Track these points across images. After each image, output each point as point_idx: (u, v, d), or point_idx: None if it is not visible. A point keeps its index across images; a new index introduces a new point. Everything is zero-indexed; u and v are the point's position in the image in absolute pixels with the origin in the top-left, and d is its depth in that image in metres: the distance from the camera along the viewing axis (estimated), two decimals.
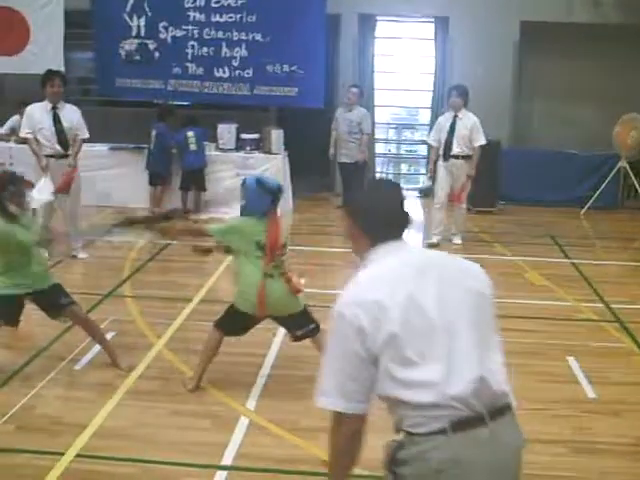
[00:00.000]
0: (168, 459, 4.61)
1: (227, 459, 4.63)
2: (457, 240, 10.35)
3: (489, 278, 2.76)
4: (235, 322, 5.52)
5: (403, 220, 2.78)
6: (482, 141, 10.02)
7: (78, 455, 4.59)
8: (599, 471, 4.69)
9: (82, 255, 9.13)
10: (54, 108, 8.75)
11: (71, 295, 5.88)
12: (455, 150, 10.02)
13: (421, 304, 2.49)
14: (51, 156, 8.76)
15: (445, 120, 10.20)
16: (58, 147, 8.76)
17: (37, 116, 8.73)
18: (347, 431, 2.56)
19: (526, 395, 5.60)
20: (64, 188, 8.72)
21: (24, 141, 9.19)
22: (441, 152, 10.17)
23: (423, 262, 2.68)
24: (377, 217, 2.72)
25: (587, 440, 5.07)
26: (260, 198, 5.36)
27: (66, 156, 8.83)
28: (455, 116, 10.04)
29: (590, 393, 5.78)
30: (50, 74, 8.91)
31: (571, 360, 6.36)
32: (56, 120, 8.72)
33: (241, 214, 5.54)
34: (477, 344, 2.55)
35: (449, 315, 2.52)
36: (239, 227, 5.39)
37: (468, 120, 10.00)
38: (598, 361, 6.43)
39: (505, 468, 2.53)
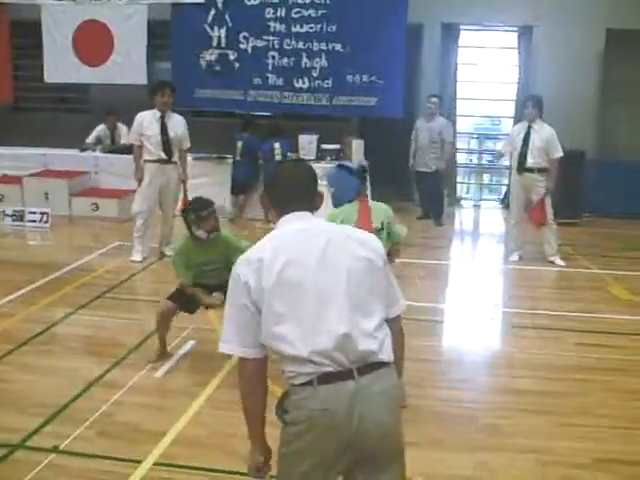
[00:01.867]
0: (246, 470, 4.59)
1: None
2: (559, 261, 9.76)
3: (382, 249, 3.02)
4: None
5: (305, 194, 3.05)
6: (560, 153, 9.56)
7: (156, 463, 4.63)
8: None
9: (169, 253, 9.38)
10: (162, 117, 9.06)
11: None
12: (529, 162, 9.58)
13: (300, 265, 2.81)
14: (155, 161, 9.20)
15: (518, 131, 9.84)
16: (162, 154, 9.23)
17: (146, 124, 9.12)
18: (246, 374, 3.02)
19: (610, 413, 5.51)
20: (186, 203, 9.21)
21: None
22: (515, 164, 9.83)
23: (316, 229, 2.96)
24: (281, 191, 3.06)
25: None
26: (347, 181, 5.45)
27: (168, 162, 9.28)
28: (529, 127, 9.64)
29: None
30: (161, 84, 9.44)
31: None
32: (163, 129, 9.03)
33: (333, 204, 5.54)
34: (351, 307, 2.80)
35: (327, 277, 2.81)
36: (334, 217, 5.29)
37: (544, 131, 9.57)
38: None
39: (375, 416, 2.78)
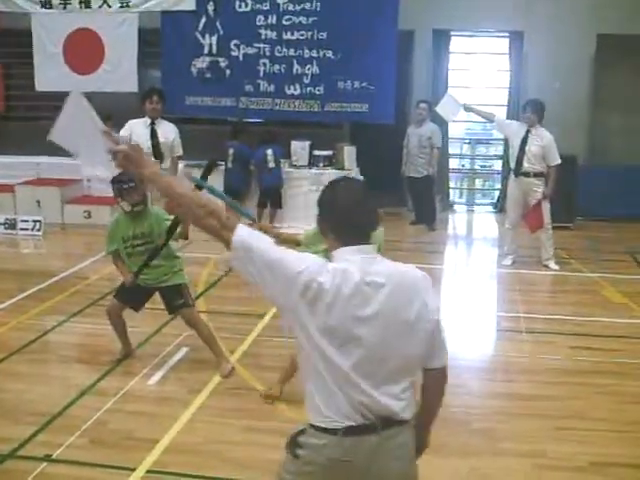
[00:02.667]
0: (239, 476, 4.58)
1: None
2: (553, 265, 9.72)
3: (436, 302, 2.79)
4: None
5: (371, 222, 2.78)
6: (557, 160, 9.48)
7: (149, 471, 4.60)
8: None
9: None
10: (152, 124, 9.08)
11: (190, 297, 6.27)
12: (525, 166, 9.51)
13: (355, 318, 2.57)
14: None
15: (517, 131, 9.71)
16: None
17: (137, 130, 9.04)
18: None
19: (606, 416, 5.50)
20: None
21: None
22: (512, 167, 9.79)
23: (380, 277, 2.64)
24: (346, 218, 2.74)
25: None
26: None
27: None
28: (528, 131, 9.56)
29: None
30: (149, 91, 9.49)
31: None
32: (153, 135, 9.04)
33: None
34: (389, 372, 2.65)
35: (376, 338, 2.60)
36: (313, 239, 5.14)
37: (542, 138, 9.48)
38: None
39: (394, 469, 2.71)
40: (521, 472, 4.74)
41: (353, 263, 2.63)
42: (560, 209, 11.72)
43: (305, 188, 11.97)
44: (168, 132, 9.29)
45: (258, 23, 12.08)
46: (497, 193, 14.17)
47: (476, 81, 13.93)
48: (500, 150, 14.13)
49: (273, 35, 12.08)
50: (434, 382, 2.89)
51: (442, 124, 12.40)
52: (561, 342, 7.00)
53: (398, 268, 2.75)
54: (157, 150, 9.11)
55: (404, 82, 12.87)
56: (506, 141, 13.48)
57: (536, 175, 9.57)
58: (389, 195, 13.60)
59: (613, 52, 12.48)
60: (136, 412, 5.44)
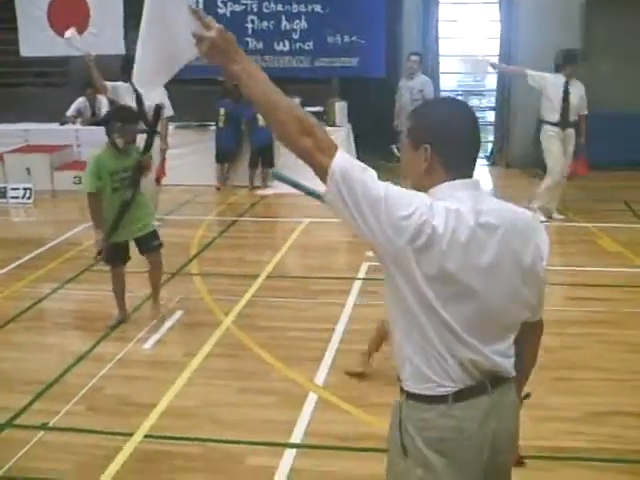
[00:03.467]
0: (235, 438, 4.58)
1: (296, 437, 4.58)
2: (557, 215, 9.78)
3: (547, 246, 2.43)
4: None
5: (477, 152, 2.42)
6: (586, 110, 9.59)
7: (147, 435, 4.59)
8: None
9: (157, 223, 9.40)
10: (136, 90, 8.92)
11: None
12: (571, 118, 9.47)
13: (472, 266, 2.22)
14: None
15: (554, 82, 9.51)
16: (142, 125, 8.97)
17: (122, 94, 8.88)
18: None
19: (608, 366, 5.49)
20: (162, 173, 9.18)
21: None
22: (557, 119, 9.52)
23: (494, 217, 2.28)
24: (454, 144, 2.32)
25: None
26: None
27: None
28: (567, 82, 9.44)
29: None
30: (130, 59, 9.20)
31: None
32: (139, 101, 8.89)
33: None
34: (501, 326, 2.38)
35: (492, 288, 2.28)
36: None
37: (579, 88, 9.49)
38: None
39: (507, 430, 2.47)
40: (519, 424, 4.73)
41: (463, 201, 2.25)
42: None
43: None
44: (154, 96, 9.13)
45: None
46: (490, 145, 14.07)
47: (466, 32, 13.78)
48: (492, 101, 14.01)
49: None
50: (534, 334, 2.64)
51: (433, 76, 12.28)
52: (558, 293, 6.95)
53: (509, 207, 2.40)
54: (143, 114, 8.98)
55: (394, 34, 12.72)
56: (497, 92, 13.49)
57: (575, 125, 9.56)
58: (382, 149, 13.52)
59: None
60: (132, 377, 5.43)
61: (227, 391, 5.18)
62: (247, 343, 5.95)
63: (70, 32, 9.34)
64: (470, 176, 2.35)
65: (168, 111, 9.31)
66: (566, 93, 9.43)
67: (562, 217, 9.74)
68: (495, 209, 2.32)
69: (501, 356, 2.36)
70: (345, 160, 2.19)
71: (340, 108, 11.98)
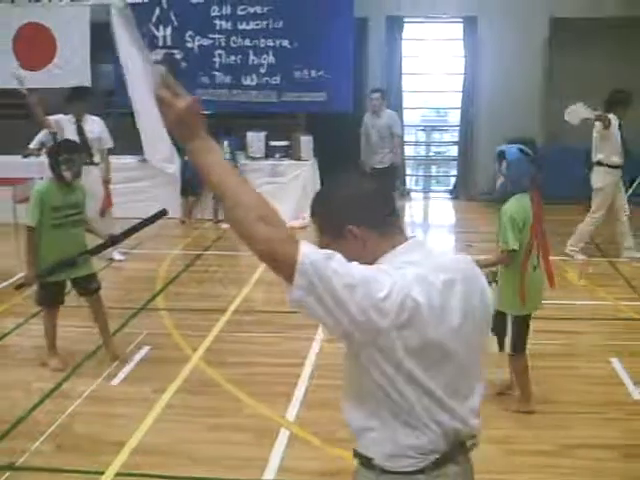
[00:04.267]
0: (209, 475, 4.53)
1: (269, 473, 4.54)
2: (635, 254, 9.54)
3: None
4: None
5: (394, 207, 2.29)
6: None
7: (118, 474, 4.52)
8: None
9: (118, 257, 9.42)
10: (78, 121, 8.95)
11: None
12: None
13: (444, 323, 2.12)
14: None
15: (613, 126, 9.36)
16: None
17: (63, 126, 8.98)
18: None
19: (572, 399, 5.55)
20: (109, 204, 9.30)
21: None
22: (618, 163, 9.43)
23: (452, 271, 2.19)
24: (373, 206, 2.21)
25: (638, 444, 4.93)
26: (525, 170, 4.98)
27: (90, 163, 8.97)
28: (620, 124, 9.37)
29: (636, 395, 5.64)
30: (75, 90, 9.45)
31: (614, 361, 6.21)
32: (80, 132, 8.89)
33: (503, 195, 5.10)
34: (475, 379, 2.30)
35: (463, 343, 2.18)
36: (514, 216, 4.95)
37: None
38: None
39: None
40: (491, 457, 4.73)
41: (421, 264, 2.13)
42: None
43: (262, 180, 11.89)
44: (94, 127, 9.20)
45: (213, 13, 11.94)
46: (453, 179, 14.22)
47: (430, 68, 13.96)
48: (455, 136, 14.18)
49: (228, 25, 11.95)
50: None
51: (397, 110, 12.38)
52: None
53: (453, 257, 2.33)
54: (85, 145, 8.96)
55: (359, 70, 12.84)
56: (461, 128, 13.64)
57: None
58: None
59: (567, 36, 12.56)
60: (101, 414, 5.35)
61: (199, 428, 5.12)
62: (217, 379, 5.90)
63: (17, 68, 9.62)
64: (405, 235, 2.25)
65: (108, 142, 9.31)
66: (621, 133, 9.31)
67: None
68: (447, 263, 2.24)
69: (476, 416, 2.28)
70: (312, 249, 1.99)
71: (306, 142, 12.03)
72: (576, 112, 9.54)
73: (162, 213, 5.93)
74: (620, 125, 9.32)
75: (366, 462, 2.26)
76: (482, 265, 4.86)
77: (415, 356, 2.07)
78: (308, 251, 1.97)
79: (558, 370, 6.03)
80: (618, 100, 9.34)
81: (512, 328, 5.13)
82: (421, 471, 2.18)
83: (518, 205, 5.00)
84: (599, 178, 9.52)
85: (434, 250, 2.28)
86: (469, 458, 2.35)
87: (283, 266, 1.97)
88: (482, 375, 2.34)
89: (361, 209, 2.20)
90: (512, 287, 5.03)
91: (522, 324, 5.15)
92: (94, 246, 6.02)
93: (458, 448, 2.25)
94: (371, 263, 2.14)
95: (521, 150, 5.00)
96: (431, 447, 2.17)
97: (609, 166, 9.42)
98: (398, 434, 2.17)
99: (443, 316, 2.10)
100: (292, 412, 5.33)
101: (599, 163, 9.51)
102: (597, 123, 9.35)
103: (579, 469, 4.63)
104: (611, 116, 9.26)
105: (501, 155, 5.04)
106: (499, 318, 4.96)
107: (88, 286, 6.20)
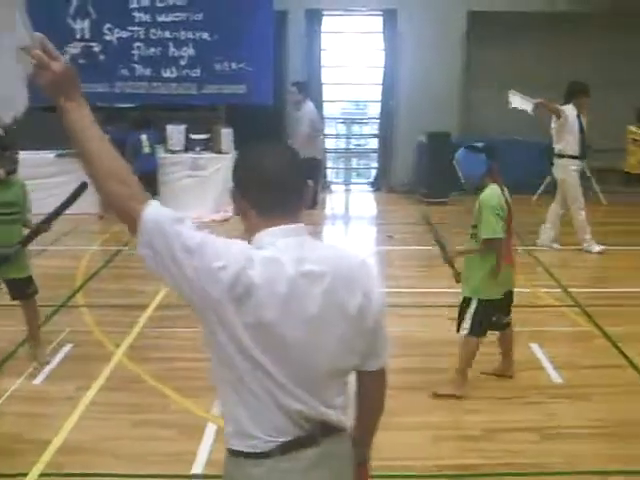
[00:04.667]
0: (135, 472, 4.51)
1: (197, 468, 4.55)
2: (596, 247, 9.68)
3: (379, 293, 2.33)
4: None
5: (298, 194, 2.28)
6: None
7: (42, 474, 4.45)
8: (572, 454, 4.74)
9: None
10: None
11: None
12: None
13: (291, 316, 2.14)
14: None
15: (572, 114, 9.42)
16: None
17: None
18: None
19: (495, 384, 5.70)
20: None
21: None
22: (577, 153, 9.53)
23: (318, 266, 2.19)
24: (266, 188, 2.22)
25: (558, 425, 5.12)
26: (475, 161, 5.38)
27: None
28: (579, 115, 9.46)
29: (557, 378, 5.84)
30: None
31: (535, 346, 6.40)
32: None
33: (466, 187, 5.63)
34: (323, 377, 2.25)
35: (312, 341, 2.18)
36: (499, 209, 5.29)
37: (586, 119, 9.58)
38: (561, 346, 6.52)
39: None
40: (418, 444, 4.85)
41: (284, 250, 2.17)
42: (436, 185, 12.10)
43: (182, 173, 11.82)
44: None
45: (131, 6, 11.77)
46: (374, 172, 14.36)
47: (350, 60, 14.05)
48: (375, 129, 14.30)
49: (147, 17, 11.80)
50: (372, 387, 2.45)
51: (318, 103, 12.41)
52: (444, 314, 7.08)
53: (336, 252, 2.32)
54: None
55: (279, 63, 12.85)
56: (381, 120, 13.76)
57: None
58: None
59: (484, 29, 12.80)
60: (24, 414, 5.26)
61: (124, 425, 5.09)
62: (140, 375, 5.86)
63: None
64: (294, 222, 2.25)
65: None
66: (581, 125, 9.46)
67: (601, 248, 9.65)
68: (321, 256, 2.23)
69: (329, 407, 2.25)
70: (158, 211, 2.12)
71: (226, 135, 11.98)
72: (515, 99, 9.70)
73: (82, 187, 5.78)
74: (579, 116, 9.45)
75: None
76: (461, 253, 5.42)
77: (253, 333, 2.11)
78: (154, 211, 2.10)
79: (481, 356, 6.12)
80: (575, 91, 9.48)
81: (474, 311, 5.37)
82: (267, 454, 2.20)
83: (495, 195, 5.31)
84: (560, 170, 9.71)
85: (317, 242, 2.31)
86: (341, 443, 2.32)
87: (131, 222, 2.10)
88: (347, 376, 2.34)
89: (249, 184, 2.25)
90: (482, 272, 5.31)
91: (485, 309, 5.37)
92: (23, 237, 5.83)
93: (319, 432, 2.24)
94: (250, 235, 2.24)
95: (468, 147, 5.45)
96: (275, 429, 2.19)
97: (569, 157, 9.58)
98: (240, 412, 2.19)
99: (288, 303, 2.12)
100: (218, 406, 5.31)
101: (559, 155, 9.69)
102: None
103: (502, 452, 4.78)
104: (569, 107, 9.42)
105: (453, 160, 5.58)
106: (464, 304, 5.42)
107: (25, 290, 6.04)
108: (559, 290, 7.98)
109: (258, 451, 2.20)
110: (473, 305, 5.36)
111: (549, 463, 4.64)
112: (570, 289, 7.95)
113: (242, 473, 2.24)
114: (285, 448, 2.20)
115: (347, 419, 2.36)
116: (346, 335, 2.24)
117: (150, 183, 11.50)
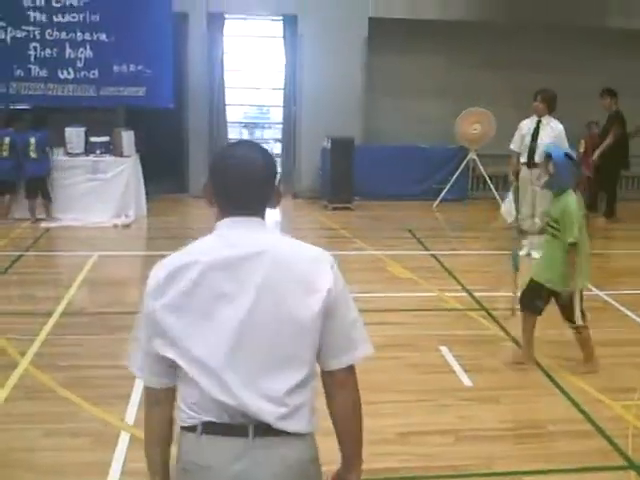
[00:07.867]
0: None
1: (112, 477, 4.41)
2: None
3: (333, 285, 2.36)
4: None
5: (257, 191, 2.36)
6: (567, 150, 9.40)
7: None
8: (487, 456, 4.79)
9: None
10: None
11: None
12: (536, 158, 8.95)
13: (219, 293, 2.26)
14: None
15: (528, 125, 9.51)
16: None
17: None
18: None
19: (406, 388, 5.73)
20: None
21: None
22: (524, 159, 9.49)
23: (254, 248, 2.30)
24: (223, 184, 2.36)
25: (471, 427, 5.16)
26: (572, 169, 5.80)
27: None
28: (539, 121, 9.45)
29: (467, 381, 5.90)
30: None
31: (444, 350, 6.47)
32: None
33: (551, 188, 5.91)
34: (264, 366, 2.29)
35: (249, 322, 2.26)
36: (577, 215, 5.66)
37: (553, 129, 9.33)
38: (469, 349, 6.58)
39: None
40: (334, 450, 4.82)
41: (226, 237, 2.31)
42: (339, 191, 12.20)
43: (82, 177, 11.53)
44: None
45: (26, 5, 11.50)
46: (277, 176, 14.32)
47: (252, 65, 14.01)
48: (278, 134, 14.30)
49: (43, 17, 11.56)
50: (335, 391, 2.45)
51: (220, 108, 12.34)
52: None
53: (297, 248, 2.43)
54: None
55: (180, 66, 12.71)
56: (284, 125, 13.79)
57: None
58: (170, 181, 13.44)
59: (385, 36, 12.96)
60: None
61: (33, 435, 4.90)
62: (49, 384, 5.65)
63: None
64: (249, 215, 2.35)
65: None
66: (535, 133, 9.39)
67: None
68: (264, 243, 2.33)
69: (270, 401, 2.26)
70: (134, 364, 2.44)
71: (127, 138, 11.75)
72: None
73: None
74: (539, 122, 9.43)
75: None
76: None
77: (174, 313, 2.28)
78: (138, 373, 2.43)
79: (388, 361, 6.15)
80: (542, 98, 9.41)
81: (577, 300, 5.81)
82: (192, 429, 2.30)
83: (578, 203, 5.78)
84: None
85: (273, 234, 2.46)
86: (280, 447, 2.32)
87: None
88: (301, 373, 2.36)
89: (214, 178, 2.38)
90: (566, 268, 5.72)
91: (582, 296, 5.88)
92: None
93: (252, 428, 2.26)
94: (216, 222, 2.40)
95: (567, 155, 5.83)
96: (202, 408, 2.27)
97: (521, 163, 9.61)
98: (180, 387, 2.35)
99: (213, 281, 2.25)
100: (131, 415, 5.18)
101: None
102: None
103: (416, 455, 4.79)
104: (524, 121, 9.62)
105: (548, 156, 5.82)
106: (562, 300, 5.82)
107: None
108: (464, 294, 8.07)
109: (186, 425, 2.32)
110: (575, 297, 5.78)
111: (465, 465, 4.69)
112: (475, 293, 8.05)
113: (178, 445, 2.36)
114: (208, 429, 2.27)
115: (302, 423, 2.38)
116: (286, 323, 2.28)
117: (39, 187, 11.20)
